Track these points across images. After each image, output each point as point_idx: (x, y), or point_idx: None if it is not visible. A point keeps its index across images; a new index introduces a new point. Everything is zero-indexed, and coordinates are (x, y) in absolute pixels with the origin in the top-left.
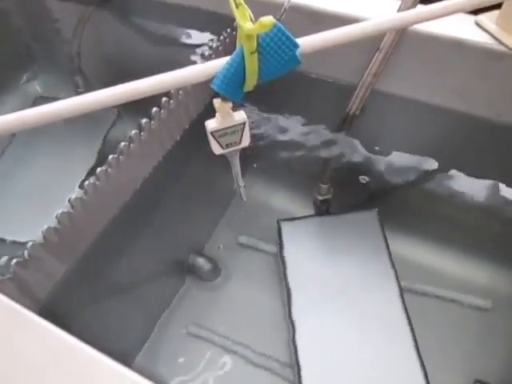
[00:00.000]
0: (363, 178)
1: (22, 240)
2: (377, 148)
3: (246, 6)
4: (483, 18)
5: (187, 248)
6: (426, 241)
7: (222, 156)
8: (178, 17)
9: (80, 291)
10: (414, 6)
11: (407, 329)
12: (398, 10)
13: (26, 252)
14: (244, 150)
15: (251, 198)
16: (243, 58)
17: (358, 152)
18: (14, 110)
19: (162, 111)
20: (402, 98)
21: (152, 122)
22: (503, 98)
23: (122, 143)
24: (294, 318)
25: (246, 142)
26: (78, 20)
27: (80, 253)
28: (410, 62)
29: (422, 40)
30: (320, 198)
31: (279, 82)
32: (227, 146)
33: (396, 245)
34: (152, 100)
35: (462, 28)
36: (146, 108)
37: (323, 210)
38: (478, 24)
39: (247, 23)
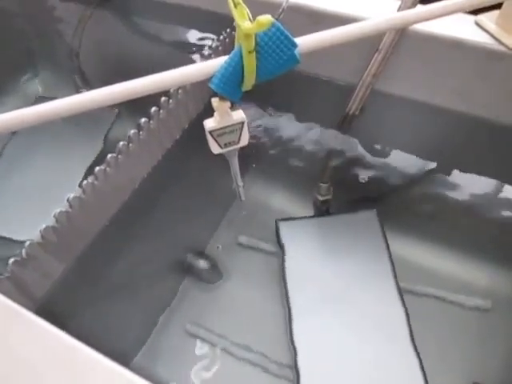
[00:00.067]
0: (363, 178)
1: (22, 239)
2: (377, 148)
3: (244, 5)
4: (483, 17)
5: (187, 248)
6: (426, 241)
7: (221, 156)
8: (178, 17)
9: (78, 291)
10: (413, 5)
11: (406, 329)
12: (398, 10)
13: (23, 251)
14: (243, 149)
15: (251, 198)
16: (241, 57)
17: (357, 152)
18: (14, 110)
19: (162, 111)
20: (402, 98)
21: (151, 122)
22: (503, 98)
23: (121, 143)
24: (293, 319)
25: (244, 141)
26: (79, 20)
27: (78, 252)
28: (410, 62)
29: (421, 40)
30: (320, 198)
31: (279, 81)
32: (226, 145)
33: (396, 245)
34: (153, 99)
35: (462, 28)
36: (147, 107)
37: (323, 210)
38: (478, 24)
39: (245, 22)
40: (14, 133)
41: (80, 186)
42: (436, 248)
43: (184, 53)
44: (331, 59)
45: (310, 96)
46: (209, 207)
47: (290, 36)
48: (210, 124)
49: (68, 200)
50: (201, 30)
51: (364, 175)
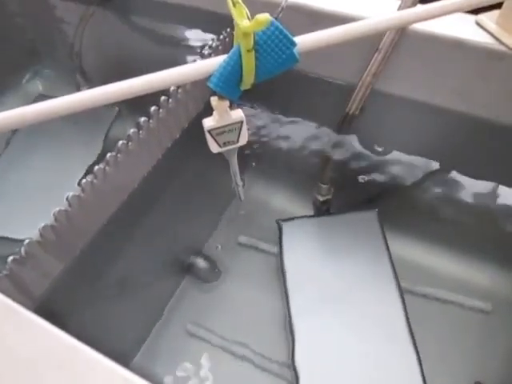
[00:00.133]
0: (363, 178)
1: (21, 238)
2: (376, 148)
3: (242, 4)
4: (484, 17)
5: (186, 247)
6: (426, 242)
7: (221, 155)
8: (179, 17)
9: (77, 290)
10: (413, 5)
11: (406, 330)
12: (398, 10)
13: (22, 249)
14: (243, 149)
15: (251, 198)
16: (240, 55)
17: (357, 152)
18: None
19: (161, 110)
20: (402, 98)
21: (151, 121)
22: (503, 98)
23: (120, 142)
24: (292, 319)
25: (243, 140)
26: (80, 19)
27: (77, 251)
28: (410, 61)
29: (422, 40)
30: (320, 198)
31: (279, 81)
32: (225, 144)
33: (396, 246)
34: (154, 98)
35: (463, 28)
36: (148, 106)
37: (323, 210)
38: (478, 24)
39: (244, 21)
40: (14, 132)
41: (79, 184)
42: (436, 249)
43: (184, 52)
44: (331, 59)
45: (310, 96)
46: (208, 207)
47: (289, 35)
48: (208, 123)
49: (67, 199)
50: (201, 29)
51: (364, 175)
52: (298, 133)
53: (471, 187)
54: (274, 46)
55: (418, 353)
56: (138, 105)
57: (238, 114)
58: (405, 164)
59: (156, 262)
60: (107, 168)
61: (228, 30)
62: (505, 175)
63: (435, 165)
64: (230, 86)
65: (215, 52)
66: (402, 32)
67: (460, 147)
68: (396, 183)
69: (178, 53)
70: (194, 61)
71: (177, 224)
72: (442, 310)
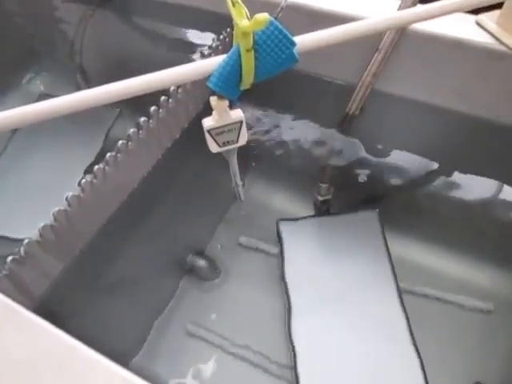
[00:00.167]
0: (363, 178)
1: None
2: (376, 148)
3: (242, 4)
4: (484, 17)
5: (187, 248)
6: (427, 242)
7: (221, 155)
8: (179, 17)
9: (77, 290)
10: (413, 5)
11: (406, 330)
12: (398, 10)
13: (22, 249)
14: (242, 148)
15: (251, 199)
16: (239, 55)
17: (357, 152)
18: None
19: (161, 110)
20: (402, 98)
21: (150, 121)
22: (503, 98)
23: (120, 141)
24: (292, 319)
25: (243, 140)
26: (80, 19)
27: (77, 251)
28: (410, 61)
29: (422, 40)
30: (320, 198)
31: (279, 81)
32: (224, 144)
33: (396, 246)
34: (155, 98)
35: (463, 28)
36: (149, 106)
37: (323, 210)
38: (478, 24)
39: (243, 21)
40: (14, 132)
41: (79, 184)
42: (437, 249)
43: (184, 52)
44: (331, 59)
45: (310, 96)
46: (209, 207)
47: (289, 34)
48: (208, 123)
49: (66, 199)
50: (201, 29)
51: (364, 175)
52: (297, 133)
53: (471, 187)
54: (273, 46)
55: (418, 352)
56: (139, 105)
57: (237, 113)
58: (405, 164)
59: (156, 263)
60: (107, 168)
61: (228, 30)
62: (505, 175)
63: (435, 165)
64: (229, 85)
65: (215, 52)
66: (402, 32)
67: (460, 147)
68: (396, 183)
69: (178, 53)
70: (194, 61)
71: (177, 224)
72: (442, 310)
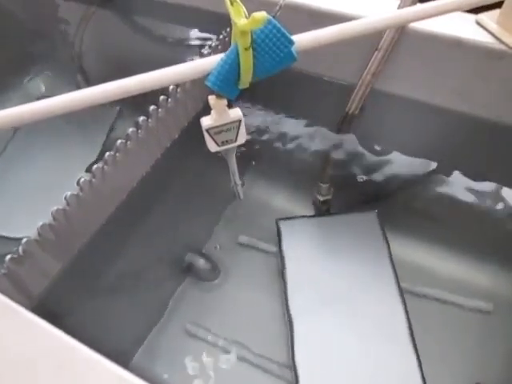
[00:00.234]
0: (362, 178)
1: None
2: (376, 148)
3: (240, 3)
4: (484, 16)
5: (186, 247)
6: (427, 242)
7: (220, 154)
8: (179, 17)
9: (75, 289)
10: (413, 4)
11: (406, 330)
12: (398, 9)
13: (20, 248)
14: (241, 148)
15: (251, 198)
16: (238, 54)
17: (357, 152)
18: None
19: (160, 110)
20: (402, 98)
21: (150, 121)
22: (503, 98)
23: (119, 141)
24: (292, 319)
25: (241, 139)
26: (80, 19)
27: (76, 250)
28: (410, 61)
29: (421, 39)
30: (320, 198)
31: (279, 81)
32: (223, 143)
33: (396, 246)
34: (156, 98)
35: (463, 27)
36: (149, 106)
37: (323, 210)
38: (478, 23)
39: (241, 19)
40: (14, 131)
41: (77, 183)
42: (437, 249)
43: (184, 52)
44: (331, 58)
45: (309, 95)
46: (208, 206)
47: (287, 33)
48: (206, 122)
49: (65, 198)
50: (201, 29)
51: (364, 175)
52: (297, 132)
53: (471, 187)
54: (271, 45)
55: (417, 353)
56: (139, 105)
57: (236, 112)
58: (405, 164)
59: (155, 262)
60: (106, 167)
61: (228, 29)
62: (505, 175)
63: (435, 165)
64: (227, 84)
65: (215, 52)
66: (401, 31)
67: (460, 147)
68: (396, 183)
69: (178, 53)
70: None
71: (176, 224)
72: (442, 310)
